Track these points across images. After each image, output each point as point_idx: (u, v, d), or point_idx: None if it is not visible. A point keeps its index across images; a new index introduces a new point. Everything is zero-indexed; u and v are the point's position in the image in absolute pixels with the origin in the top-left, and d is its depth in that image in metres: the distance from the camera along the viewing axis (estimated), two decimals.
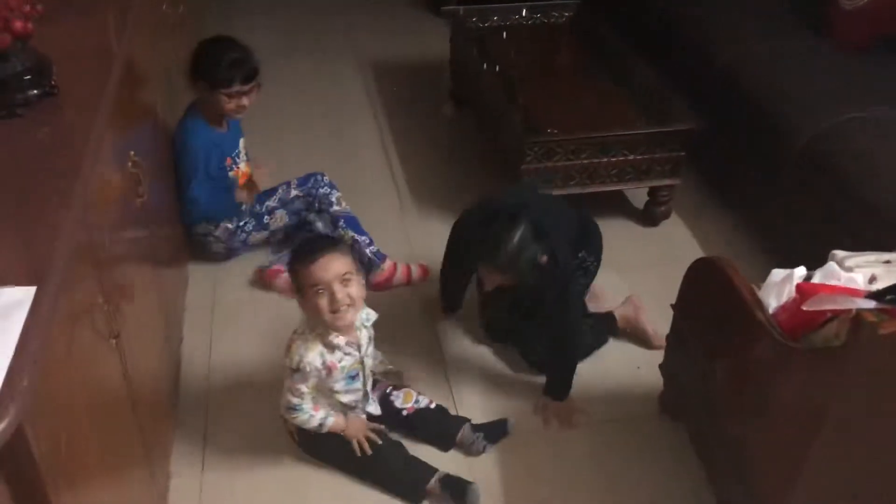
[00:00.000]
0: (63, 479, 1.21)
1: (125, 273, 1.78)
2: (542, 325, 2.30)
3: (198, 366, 2.44)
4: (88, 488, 1.38)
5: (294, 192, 2.79)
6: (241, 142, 2.76)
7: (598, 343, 2.49)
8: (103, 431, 1.51)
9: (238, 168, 2.73)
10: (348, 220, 2.75)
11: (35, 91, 1.53)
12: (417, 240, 2.96)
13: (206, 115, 2.60)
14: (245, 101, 2.55)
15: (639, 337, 2.52)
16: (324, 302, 1.87)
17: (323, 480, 2.12)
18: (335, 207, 2.77)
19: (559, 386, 2.30)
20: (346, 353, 1.97)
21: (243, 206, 2.74)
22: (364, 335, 2.03)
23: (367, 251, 2.71)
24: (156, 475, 1.94)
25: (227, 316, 2.62)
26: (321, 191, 2.78)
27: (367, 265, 2.68)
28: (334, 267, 1.87)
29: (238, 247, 2.79)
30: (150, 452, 1.87)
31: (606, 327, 2.51)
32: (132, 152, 1.85)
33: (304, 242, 2.00)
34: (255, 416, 2.25)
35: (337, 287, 1.87)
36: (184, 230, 2.71)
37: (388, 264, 2.72)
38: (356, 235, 2.72)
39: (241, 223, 2.76)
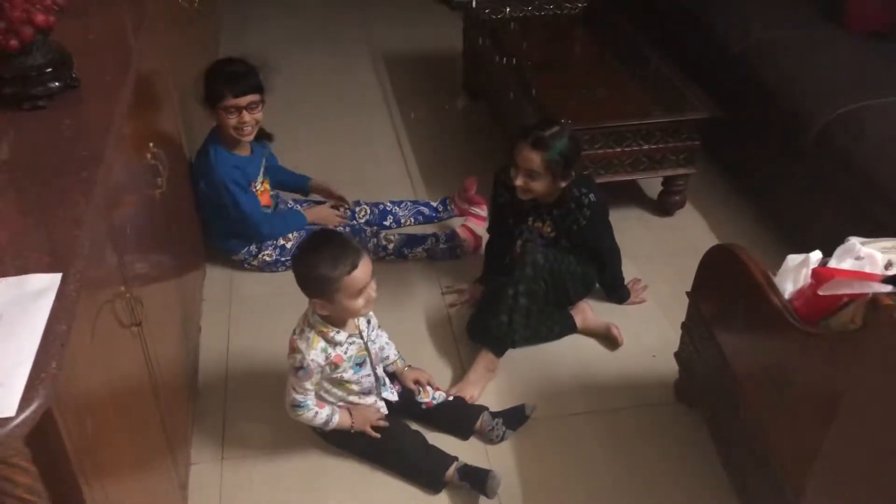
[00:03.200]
0: (90, 463, 1.23)
1: (145, 263, 1.81)
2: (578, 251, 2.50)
3: (216, 355, 2.46)
4: (113, 474, 1.41)
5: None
6: (264, 162, 2.76)
7: (566, 330, 2.54)
8: (127, 417, 1.54)
9: (257, 187, 2.72)
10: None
11: (57, 83, 1.55)
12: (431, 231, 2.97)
13: (224, 141, 2.59)
14: (246, 117, 2.51)
15: (604, 337, 2.53)
16: (360, 301, 1.88)
17: (342, 468, 2.14)
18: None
19: (619, 288, 2.63)
20: (349, 344, 1.99)
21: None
22: (363, 321, 2.05)
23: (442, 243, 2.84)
24: (177, 462, 1.96)
25: (244, 307, 2.65)
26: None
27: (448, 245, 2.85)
28: (368, 267, 1.88)
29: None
30: (171, 440, 1.90)
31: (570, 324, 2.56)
32: (151, 144, 1.87)
33: (320, 244, 1.88)
34: (274, 405, 2.27)
35: (372, 285, 1.90)
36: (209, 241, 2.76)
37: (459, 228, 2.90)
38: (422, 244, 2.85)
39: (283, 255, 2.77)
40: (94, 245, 1.31)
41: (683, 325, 2.22)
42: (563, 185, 2.34)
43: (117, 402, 1.47)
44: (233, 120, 2.51)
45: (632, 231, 2.94)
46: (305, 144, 3.39)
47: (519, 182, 2.33)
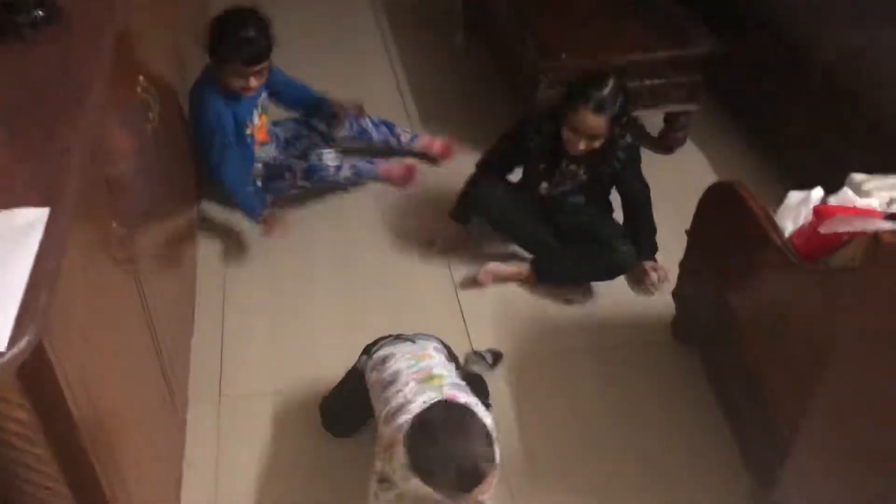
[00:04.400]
0: (84, 399, 1.23)
1: (138, 199, 1.78)
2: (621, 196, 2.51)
3: (213, 290, 2.46)
4: (109, 410, 1.41)
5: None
6: (262, 98, 2.67)
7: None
8: (122, 355, 1.54)
9: (253, 124, 2.64)
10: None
11: (40, 11, 1.50)
12: (427, 173, 2.94)
13: (220, 85, 2.48)
14: (253, 81, 2.44)
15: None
16: None
17: None
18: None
19: (653, 244, 2.50)
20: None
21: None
22: None
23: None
24: (174, 400, 1.97)
25: (239, 246, 2.63)
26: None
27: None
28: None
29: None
30: (168, 377, 1.90)
31: None
32: (141, 77, 1.83)
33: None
34: (273, 344, 2.28)
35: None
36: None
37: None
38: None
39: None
40: (83, 179, 1.28)
41: (681, 264, 2.21)
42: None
43: (112, 338, 1.47)
44: (238, 82, 2.43)
45: None
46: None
47: (582, 146, 2.27)
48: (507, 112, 3.06)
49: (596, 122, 2.22)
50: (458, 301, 2.44)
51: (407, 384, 1.71)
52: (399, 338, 1.91)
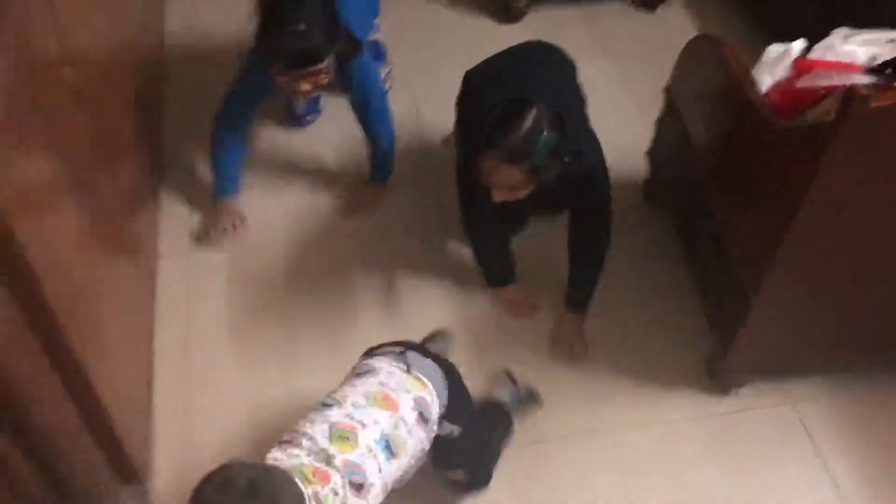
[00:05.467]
0: (49, 259, 1.22)
1: None
2: (571, 230, 1.98)
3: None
4: (72, 263, 1.39)
5: None
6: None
7: None
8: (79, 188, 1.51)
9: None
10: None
11: None
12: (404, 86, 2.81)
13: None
14: (304, 86, 1.99)
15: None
16: None
17: (313, 271, 2.15)
18: None
19: (584, 298, 2.03)
20: None
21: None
22: None
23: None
24: (144, 251, 1.97)
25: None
26: None
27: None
28: None
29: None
30: (136, 229, 1.89)
31: None
32: None
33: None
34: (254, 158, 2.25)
35: None
36: None
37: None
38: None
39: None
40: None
41: (657, 122, 2.18)
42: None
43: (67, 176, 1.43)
44: (286, 86, 2.02)
45: (611, 26, 2.80)
46: None
47: (499, 197, 1.78)
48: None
49: (509, 174, 1.68)
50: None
51: (321, 423, 1.36)
52: (401, 356, 1.51)
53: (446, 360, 1.59)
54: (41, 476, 1.40)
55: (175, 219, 2.23)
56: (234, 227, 2.17)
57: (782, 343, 1.85)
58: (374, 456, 1.34)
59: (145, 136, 2.19)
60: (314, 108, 2.53)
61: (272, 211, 2.28)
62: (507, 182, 1.71)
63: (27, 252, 1.15)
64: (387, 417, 1.39)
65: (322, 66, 1.96)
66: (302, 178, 2.38)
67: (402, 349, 1.52)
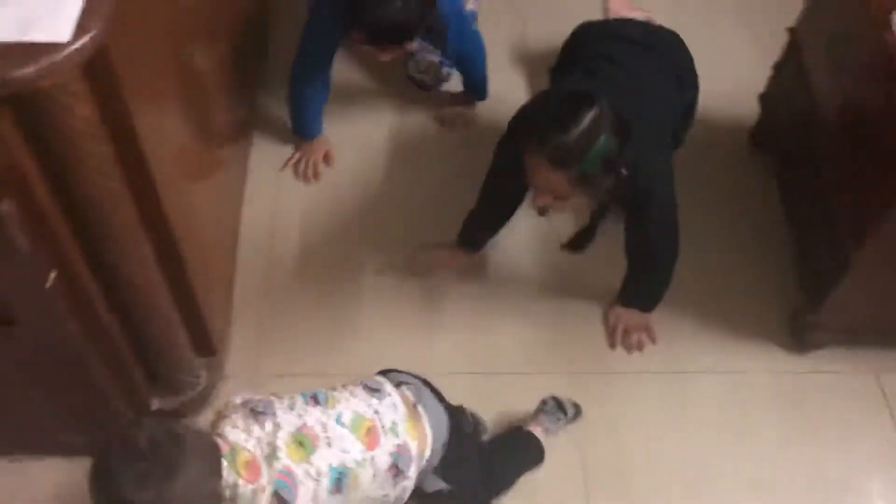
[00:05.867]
0: (145, 102, 1.23)
1: None
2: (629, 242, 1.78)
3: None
4: (167, 116, 1.41)
5: None
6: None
7: None
8: (185, 64, 1.52)
9: None
10: None
11: None
12: None
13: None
14: (384, 56, 1.94)
15: None
16: None
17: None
18: None
19: (648, 296, 1.86)
20: None
21: None
22: None
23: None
24: (238, 136, 1.99)
25: None
26: None
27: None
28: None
29: None
30: (233, 96, 1.90)
31: None
32: None
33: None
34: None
35: None
36: None
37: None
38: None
39: None
40: None
41: (776, 65, 2.06)
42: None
43: (177, 44, 1.45)
44: (367, 49, 1.95)
45: None
46: None
47: (541, 203, 1.62)
48: None
49: (550, 178, 1.49)
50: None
51: (296, 416, 1.26)
52: (416, 390, 1.39)
53: (458, 412, 1.47)
54: (128, 339, 1.47)
55: (272, 113, 2.23)
56: (319, 164, 2.14)
57: (875, 308, 1.77)
58: (317, 481, 1.21)
59: (253, 38, 2.20)
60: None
61: (363, 132, 2.24)
62: (550, 188, 1.52)
63: (133, 115, 1.17)
64: (358, 451, 1.26)
65: (411, 42, 1.89)
66: (391, 99, 2.32)
67: (420, 382, 1.41)
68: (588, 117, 1.42)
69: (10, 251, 1.14)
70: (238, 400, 1.26)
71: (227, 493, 1.13)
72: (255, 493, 1.14)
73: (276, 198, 2.10)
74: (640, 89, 1.69)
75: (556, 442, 1.70)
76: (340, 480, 1.23)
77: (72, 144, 1.11)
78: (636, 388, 1.85)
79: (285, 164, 2.15)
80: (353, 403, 1.30)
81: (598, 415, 1.79)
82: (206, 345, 1.67)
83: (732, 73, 2.35)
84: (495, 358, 1.87)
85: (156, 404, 1.64)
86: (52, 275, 1.21)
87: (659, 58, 1.81)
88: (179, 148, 1.49)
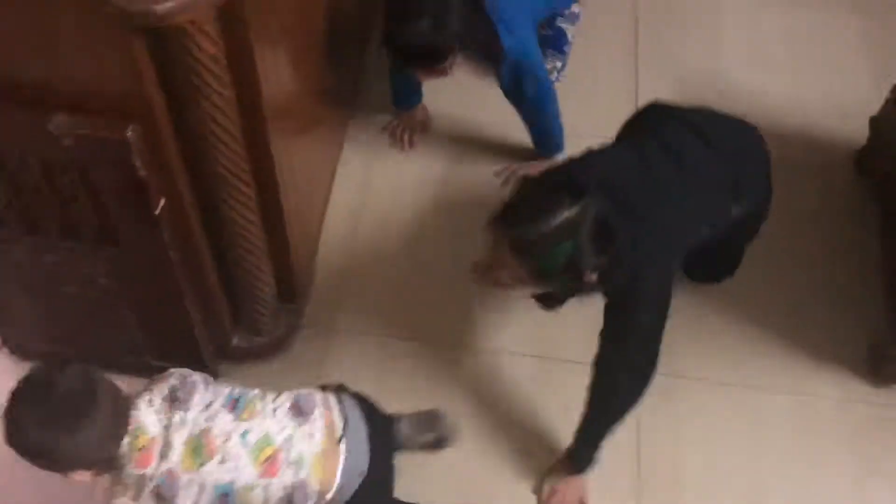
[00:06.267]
0: (268, 52, 1.29)
1: None
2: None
3: None
4: (285, 69, 1.46)
5: None
6: None
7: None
8: (306, 23, 1.59)
9: None
10: None
11: None
12: None
13: None
14: (422, 77, 1.91)
15: None
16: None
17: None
18: None
19: (586, 448, 1.63)
20: None
21: None
22: None
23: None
24: (336, 124, 2.05)
25: None
26: None
27: None
28: None
29: None
30: (343, 61, 1.94)
31: None
32: None
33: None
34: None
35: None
36: None
37: None
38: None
39: None
40: None
41: (894, 88, 1.99)
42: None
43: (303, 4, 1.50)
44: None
45: None
46: None
47: (494, 279, 1.48)
48: None
49: (510, 261, 1.37)
50: None
51: (204, 420, 1.24)
52: (348, 420, 1.34)
53: (385, 452, 1.40)
54: (220, 275, 1.53)
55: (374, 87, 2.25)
56: (416, 132, 2.14)
57: None
58: (200, 493, 1.20)
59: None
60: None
61: (462, 108, 2.23)
62: (507, 268, 1.39)
63: (256, 61, 1.22)
64: (250, 475, 1.23)
65: (443, 65, 1.76)
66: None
67: (359, 414, 1.36)
68: (564, 216, 1.30)
69: (127, 175, 1.21)
70: (174, 377, 1.27)
71: (118, 464, 1.16)
72: (140, 479, 1.17)
73: (369, 166, 2.14)
74: (670, 191, 1.48)
75: (614, 439, 1.69)
76: (226, 497, 1.23)
77: (197, 81, 1.17)
78: (704, 396, 1.83)
79: (384, 129, 2.18)
80: (267, 423, 1.27)
81: (660, 417, 1.78)
82: (290, 292, 1.73)
83: (845, 91, 2.29)
84: (561, 345, 1.88)
85: (235, 341, 1.72)
86: (161, 203, 1.28)
87: (718, 160, 1.56)
88: (291, 101, 1.54)
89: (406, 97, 2.15)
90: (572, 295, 1.49)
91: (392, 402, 1.56)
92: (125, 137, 1.16)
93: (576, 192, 1.32)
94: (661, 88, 2.28)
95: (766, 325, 1.92)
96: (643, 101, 2.17)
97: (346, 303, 1.92)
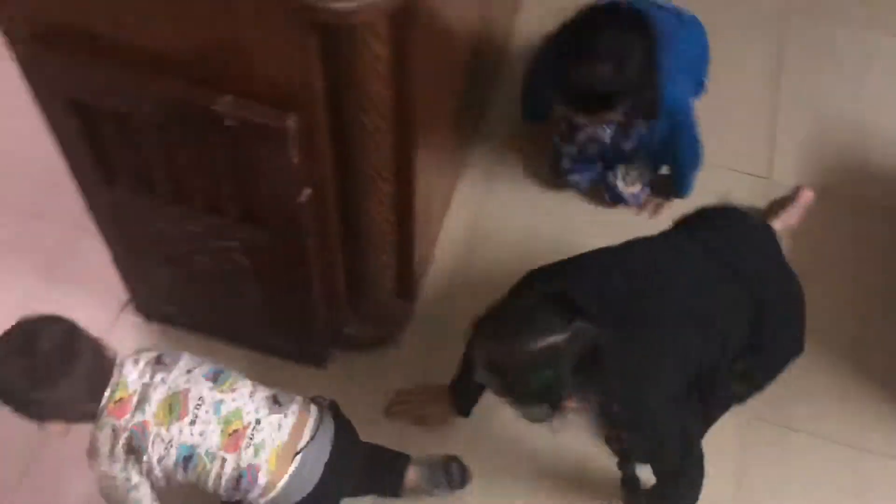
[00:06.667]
0: (427, 58, 1.31)
1: None
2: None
3: None
4: (436, 76, 1.49)
5: None
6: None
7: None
8: (458, 40, 1.63)
9: None
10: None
11: None
12: None
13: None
14: (582, 119, 1.83)
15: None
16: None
17: None
18: None
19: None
20: None
21: None
22: None
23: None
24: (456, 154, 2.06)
25: None
26: None
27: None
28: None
29: None
30: (477, 81, 1.96)
31: None
32: None
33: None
34: None
35: None
36: None
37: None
38: None
39: None
40: None
41: None
42: None
43: (460, 22, 1.52)
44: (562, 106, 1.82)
45: None
46: None
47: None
48: None
49: (485, 375, 1.29)
50: None
51: (183, 381, 1.28)
52: (327, 427, 1.37)
53: (334, 485, 1.36)
54: (348, 266, 1.57)
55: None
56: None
57: None
58: (166, 451, 1.24)
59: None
60: (584, 168, 2.00)
61: None
62: (485, 378, 1.30)
63: (416, 65, 1.25)
64: (214, 444, 1.26)
65: (612, 114, 1.69)
66: None
67: (336, 441, 1.35)
68: (548, 342, 1.18)
69: (281, 161, 1.25)
70: (162, 354, 1.31)
71: (96, 418, 1.21)
72: (115, 429, 1.21)
73: (489, 180, 2.14)
74: (680, 325, 1.35)
75: (712, 483, 1.63)
76: (189, 460, 1.25)
77: (360, 78, 1.19)
78: (812, 452, 1.76)
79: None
80: (243, 401, 1.30)
81: (763, 467, 1.73)
82: (407, 289, 1.75)
83: None
84: None
85: (348, 330, 1.75)
86: (307, 191, 1.32)
87: (741, 292, 1.42)
88: (436, 107, 1.56)
89: (537, 109, 2.12)
90: (551, 418, 1.28)
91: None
92: (284, 126, 1.20)
93: (569, 315, 1.20)
94: (798, 127, 2.24)
95: (886, 381, 1.85)
96: (781, 138, 2.13)
97: (454, 307, 1.93)
